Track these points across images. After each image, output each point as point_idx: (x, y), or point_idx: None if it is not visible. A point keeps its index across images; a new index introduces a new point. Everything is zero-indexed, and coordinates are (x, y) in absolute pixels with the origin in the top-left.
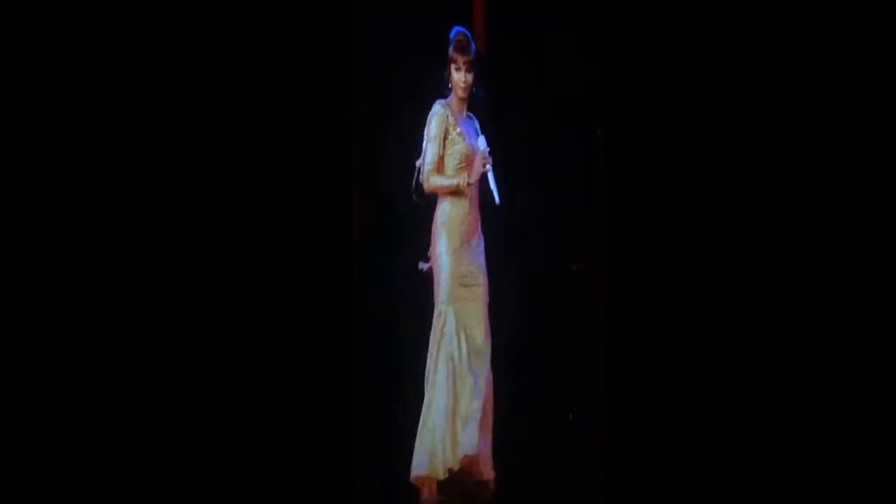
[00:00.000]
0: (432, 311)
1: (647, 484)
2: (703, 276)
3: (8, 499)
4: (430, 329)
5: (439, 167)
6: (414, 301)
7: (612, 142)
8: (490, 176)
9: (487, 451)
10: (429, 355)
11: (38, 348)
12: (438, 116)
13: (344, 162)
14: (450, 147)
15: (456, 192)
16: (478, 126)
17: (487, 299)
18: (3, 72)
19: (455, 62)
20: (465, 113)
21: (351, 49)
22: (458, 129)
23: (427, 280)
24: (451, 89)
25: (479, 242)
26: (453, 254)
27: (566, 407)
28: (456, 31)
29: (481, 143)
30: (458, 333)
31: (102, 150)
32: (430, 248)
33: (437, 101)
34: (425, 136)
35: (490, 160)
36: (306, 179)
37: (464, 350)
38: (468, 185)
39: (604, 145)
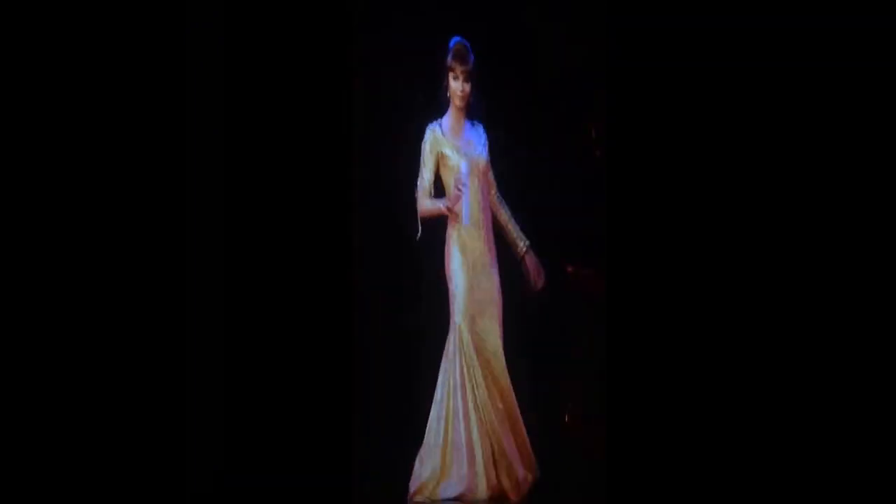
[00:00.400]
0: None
1: (646, 484)
2: (702, 277)
3: (8, 499)
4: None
5: (434, 189)
6: (415, 301)
7: (612, 142)
8: (464, 198)
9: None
10: (448, 372)
11: (39, 348)
12: (429, 142)
13: (344, 165)
14: (444, 166)
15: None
16: (481, 132)
17: (501, 316)
18: (3, 72)
19: (453, 71)
20: (463, 123)
21: (351, 56)
22: (451, 146)
23: (426, 279)
24: (449, 98)
25: (493, 260)
26: (467, 272)
27: (564, 407)
28: (455, 40)
29: (463, 168)
30: (475, 349)
31: (103, 150)
32: (445, 266)
33: (429, 125)
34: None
35: (465, 184)
36: (306, 181)
37: (482, 364)
38: (448, 209)
39: (601, 145)
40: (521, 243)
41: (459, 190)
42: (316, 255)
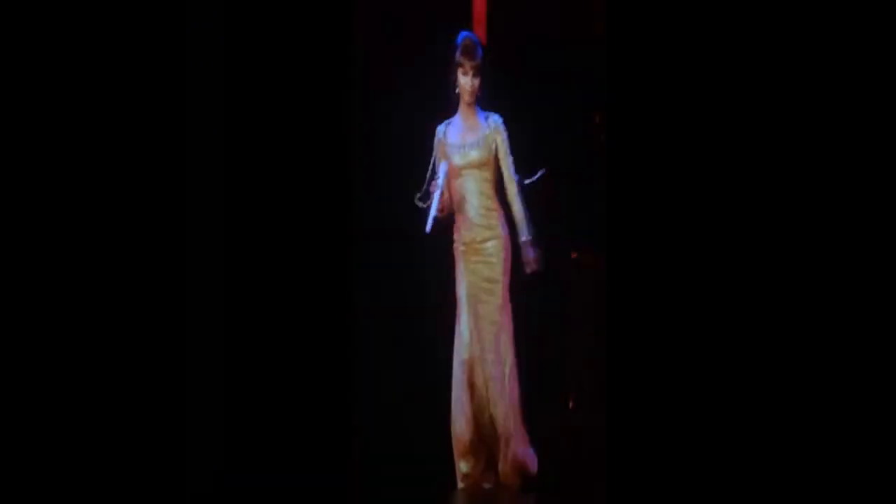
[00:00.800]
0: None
1: (647, 473)
2: (703, 266)
3: (8, 499)
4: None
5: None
6: (415, 299)
7: (612, 134)
8: (434, 197)
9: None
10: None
11: (39, 348)
12: (436, 146)
13: (343, 163)
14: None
15: (460, 202)
16: (494, 124)
17: (506, 300)
18: (3, 72)
19: (462, 66)
20: (473, 119)
21: (351, 51)
22: (451, 145)
23: (427, 280)
24: (458, 94)
25: (495, 247)
26: (466, 259)
27: (567, 394)
28: (463, 35)
29: (441, 169)
30: (472, 334)
31: (103, 149)
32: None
33: (438, 126)
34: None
35: (437, 186)
36: (306, 180)
37: (480, 347)
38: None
39: (603, 134)
40: (523, 236)
41: (431, 192)
42: (316, 255)
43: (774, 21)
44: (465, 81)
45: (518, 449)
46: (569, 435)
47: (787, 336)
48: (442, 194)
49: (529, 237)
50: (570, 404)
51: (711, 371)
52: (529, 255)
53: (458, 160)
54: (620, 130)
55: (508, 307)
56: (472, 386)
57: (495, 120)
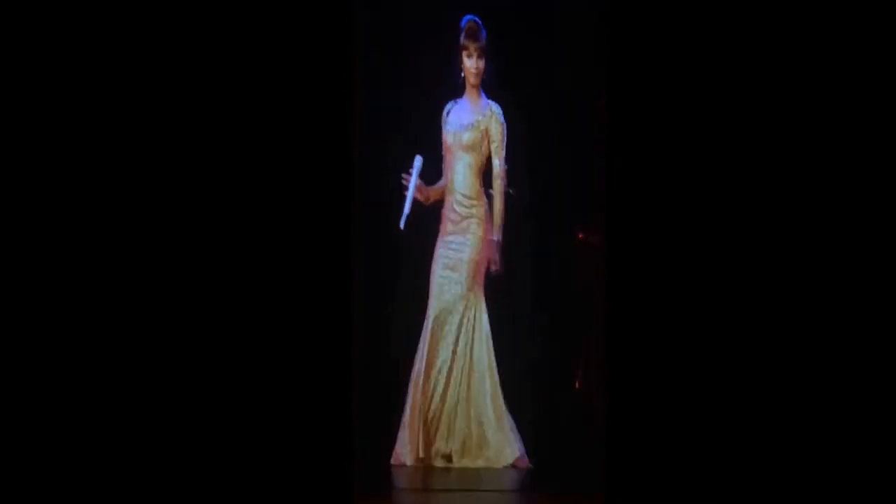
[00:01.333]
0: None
1: (648, 453)
2: (701, 251)
3: (7, 498)
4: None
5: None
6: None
7: (613, 121)
8: (408, 190)
9: None
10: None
11: (39, 348)
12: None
13: (344, 161)
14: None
15: (450, 183)
16: (492, 110)
17: (472, 290)
18: (2, 72)
19: (466, 49)
20: (477, 101)
21: (351, 47)
22: (448, 121)
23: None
24: (464, 77)
25: (462, 238)
26: (438, 247)
27: (576, 373)
28: (467, 18)
29: (416, 162)
30: (430, 322)
31: (105, 149)
32: None
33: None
34: None
35: (408, 177)
36: (306, 180)
37: (441, 337)
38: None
39: (605, 115)
40: (495, 235)
41: (404, 184)
42: (315, 254)
43: (772, 16)
44: (470, 63)
45: (495, 434)
46: (575, 415)
47: (785, 323)
48: (418, 187)
49: (499, 238)
50: (577, 385)
51: (712, 354)
52: (495, 255)
53: (450, 139)
54: (621, 116)
55: (474, 297)
56: (424, 374)
57: (494, 109)
